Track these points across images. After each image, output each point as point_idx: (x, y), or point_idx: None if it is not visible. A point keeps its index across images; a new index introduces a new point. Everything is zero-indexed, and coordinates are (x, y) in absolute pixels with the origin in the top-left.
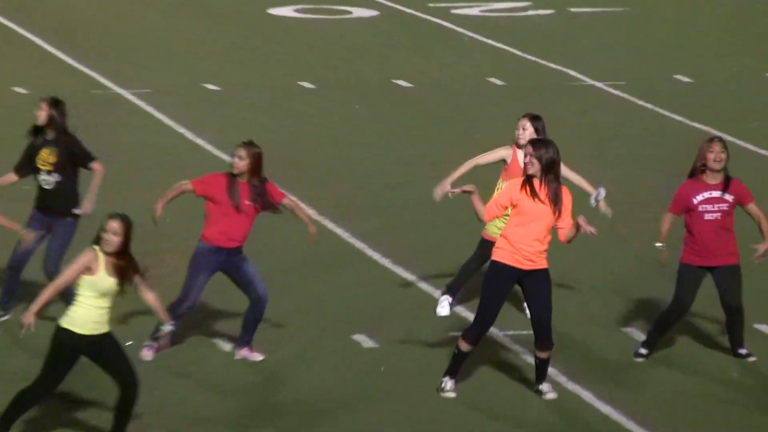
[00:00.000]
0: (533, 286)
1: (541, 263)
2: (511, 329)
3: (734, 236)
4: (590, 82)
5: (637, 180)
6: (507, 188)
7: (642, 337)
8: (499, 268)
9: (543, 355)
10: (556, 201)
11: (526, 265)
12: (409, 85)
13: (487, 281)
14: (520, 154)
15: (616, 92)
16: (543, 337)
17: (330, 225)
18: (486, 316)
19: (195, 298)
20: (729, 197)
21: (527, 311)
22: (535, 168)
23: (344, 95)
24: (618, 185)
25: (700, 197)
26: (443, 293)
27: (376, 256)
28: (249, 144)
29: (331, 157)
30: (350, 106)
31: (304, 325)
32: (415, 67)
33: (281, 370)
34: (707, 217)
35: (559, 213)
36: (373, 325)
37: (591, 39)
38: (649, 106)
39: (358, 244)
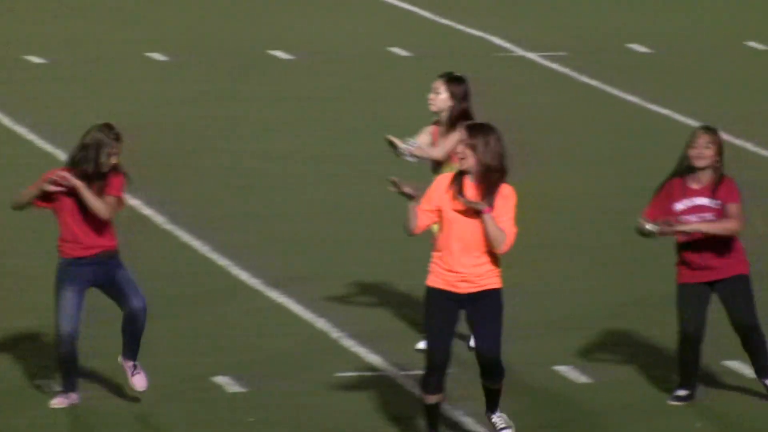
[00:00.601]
0: (476, 314)
1: (487, 284)
2: (417, 368)
3: (737, 240)
4: (520, 52)
5: (586, 179)
6: (431, 187)
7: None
8: (432, 294)
9: (492, 385)
10: (489, 204)
11: (463, 288)
12: (289, 56)
13: (424, 312)
14: (441, 131)
15: (554, 65)
16: (489, 372)
17: (185, 237)
18: (433, 356)
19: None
20: (717, 203)
21: (471, 341)
22: (469, 162)
23: (205, 70)
24: (555, 185)
25: (681, 205)
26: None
27: (243, 275)
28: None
29: (186, 148)
30: (213, 84)
31: (152, 363)
32: (296, 35)
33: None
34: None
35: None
36: (240, 364)
37: (519, 1)
38: (594, 83)
39: (222, 261)
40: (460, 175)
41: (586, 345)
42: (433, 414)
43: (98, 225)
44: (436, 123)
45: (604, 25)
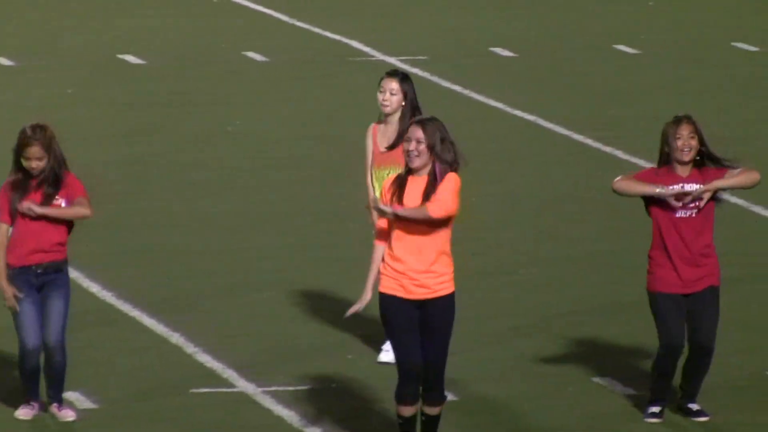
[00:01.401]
0: (427, 321)
1: (441, 289)
2: (275, 383)
3: (713, 246)
4: (380, 56)
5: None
6: (383, 192)
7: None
8: (385, 300)
9: (431, 410)
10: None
11: (417, 294)
12: (139, 61)
13: (385, 321)
14: (382, 130)
15: (415, 70)
16: (432, 387)
17: None
18: (407, 366)
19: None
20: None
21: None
22: (423, 159)
23: (48, 75)
24: None
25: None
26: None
27: (94, 288)
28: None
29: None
30: (58, 90)
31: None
32: (146, 37)
33: None
34: (679, 216)
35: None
36: (91, 379)
37: (378, 4)
38: (456, 88)
39: (72, 273)
40: (403, 175)
41: (540, 355)
42: (411, 427)
43: (48, 234)
44: (379, 122)
45: (466, 28)
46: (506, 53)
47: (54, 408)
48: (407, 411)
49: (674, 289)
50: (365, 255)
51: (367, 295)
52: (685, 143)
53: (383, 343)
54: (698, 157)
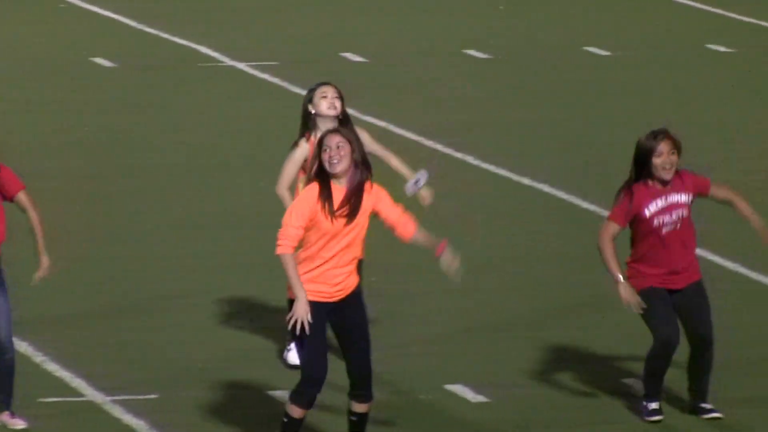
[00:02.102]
0: (344, 320)
1: (351, 284)
2: (124, 392)
3: (695, 244)
4: (229, 62)
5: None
6: (301, 200)
7: None
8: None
9: (360, 408)
10: (356, 207)
11: (337, 296)
12: None
13: (301, 327)
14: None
15: (264, 75)
16: (360, 386)
17: None
18: (310, 370)
19: None
20: (686, 197)
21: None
22: (344, 164)
23: None
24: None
25: (653, 207)
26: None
27: None
28: None
29: None
30: None
31: None
32: None
33: None
34: (666, 231)
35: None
36: None
37: (228, 9)
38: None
39: None
40: (326, 183)
41: (480, 361)
42: (298, 429)
43: None
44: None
45: (317, 33)
46: (357, 59)
47: (5, 416)
48: (300, 413)
49: (661, 284)
50: (205, 264)
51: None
52: (666, 160)
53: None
54: None
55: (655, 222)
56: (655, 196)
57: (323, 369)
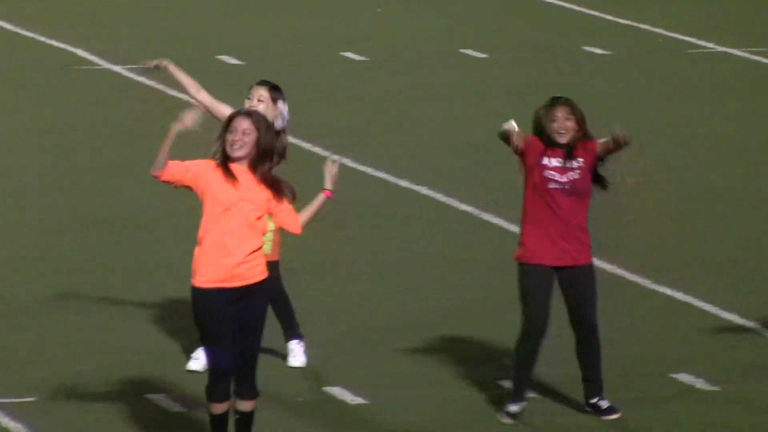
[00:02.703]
0: (240, 311)
1: (254, 275)
2: (8, 395)
3: (586, 219)
4: (106, 65)
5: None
6: (196, 162)
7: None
8: (204, 295)
9: (244, 405)
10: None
11: (235, 282)
12: None
13: (201, 317)
14: None
15: (141, 79)
16: (243, 380)
17: None
18: (214, 363)
19: None
20: (580, 162)
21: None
22: (247, 149)
23: None
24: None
25: (547, 161)
26: (288, 339)
27: None
28: None
29: None
30: None
31: None
32: None
33: None
34: (551, 186)
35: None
36: None
37: (102, 12)
38: (185, 96)
39: None
40: (225, 165)
41: (359, 364)
42: (222, 425)
43: None
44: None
45: (192, 36)
46: (233, 61)
47: None
48: (219, 408)
49: (547, 261)
50: (79, 265)
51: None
52: (561, 125)
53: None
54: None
55: (546, 174)
56: (553, 155)
57: (227, 361)
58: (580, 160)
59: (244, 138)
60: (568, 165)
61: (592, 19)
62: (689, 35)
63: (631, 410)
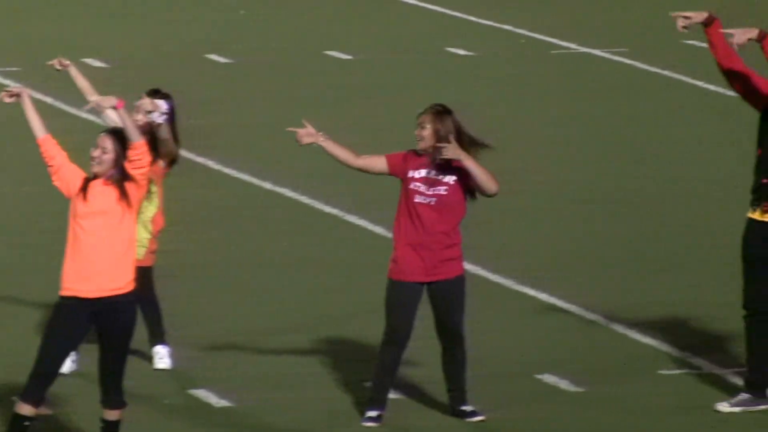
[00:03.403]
0: (101, 323)
1: (117, 286)
2: None
3: (460, 235)
4: None
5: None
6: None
7: None
8: (60, 301)
9: (110, 415)
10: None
11: (94, 292)
12: None
13: (48, 323)
14: None
15: (7, 81)
16: (108, 389)
17: None
18: (38, 366)
19: None
20: (452, 179)
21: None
22: (103, 168)
23: None
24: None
25: (416, 174)
26: (154, 344)
27: None
28: None
29: None
30: None
31: None
32: None
33: None
34: (418, 199)
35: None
36: None
37: None
38: (48, 100)
39: None
40: (87, 181)
41: (225, 366)
42: (23, 428)
43: None
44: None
45: (57, 39)
46: (98, 63)
47: None
48: (25, 409)
49: (417, 278)
50: None
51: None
52: (419, 133)
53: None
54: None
55: (412, 186)
56: (419, 165)
57: (52, 366)
58: (453, 177)
59: (102, 156)
60: (434, 177)
61: (455, 20)
62: (551, 36)
63: (495, 411)
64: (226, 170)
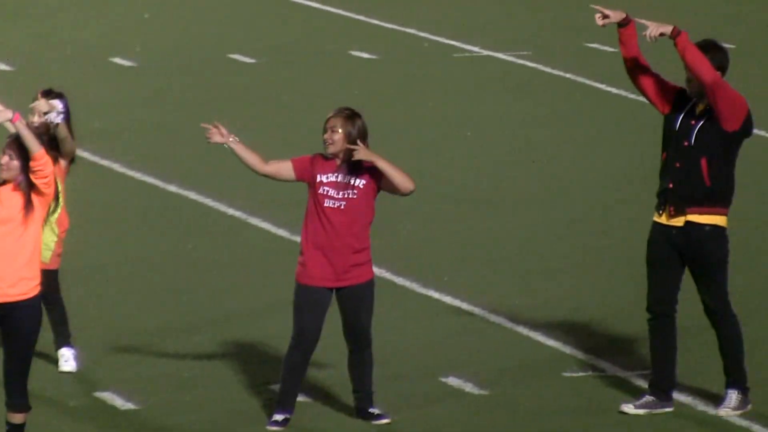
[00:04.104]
0: (5, 327)
1: (21, 292)
2: None
3: (369, 239)
4: None
5: None
6: None
7: None
8: None
9: (14, 418)
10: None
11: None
12: None
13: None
14: None
15: None
16: (12, 392)
17: None
18: None
19: None
20: (362, 183)
21: None
22: (9, 175)
23: None
24: None
25: (325, 178)
26: (59, 347)
27: None
28: None
29: None
30: None
31: None
32: None
33: None
34: (328, 204)
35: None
36: None
37: None
38: None
39: None
40: None
41: (129, 367)
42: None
43: None
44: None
45: None
46: (1, 66)
47: None
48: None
49: (326, 283)
50: None
51: None
52: (329, 137)
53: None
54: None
55: (321, 191)
56: (328, 170)
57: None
58: (362, 181)
59: (10, 162)
60: (344, 181)
61: (358, 23)
62: (454, 39)
63: (399, 413)
64: (131, 173)
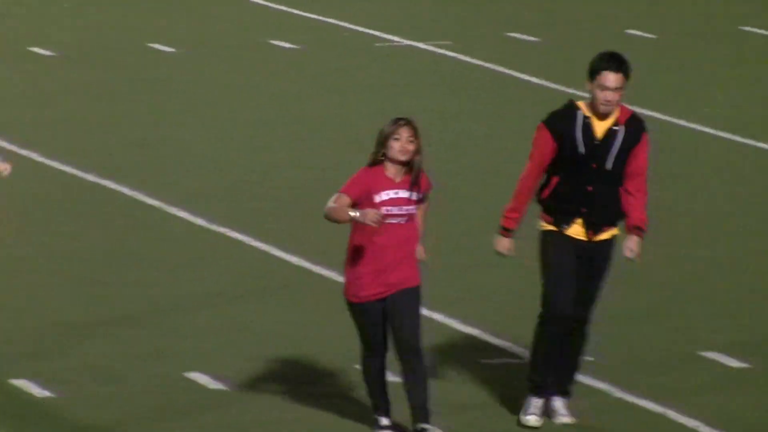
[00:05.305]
0: None
1: None
2: None
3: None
4: None
5: None
6: None
7: None
8: None
9: None
10: None
11: None
12: None
13: None
14: None
15: None
16: None
17: None
18: None
19: None
20: (418, 196)
21: None
22: None
23: None
24: None
25: (384, 195)
26: None
27: None
28: None
29: None
30: None
31: None
32: None
33: None
34: (390, 221)
35: None
36: None
37: None
38: None
39: None
40: None
41: (46, 357)
42: None
43: None
44: None
45: None
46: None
47: None
48: None
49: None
50: None
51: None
52: (404, 146)
53: None
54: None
55: (384, 210)
56: (387, 186)
57: None
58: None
59: None
60: (404, 197)
61: (278, 13)
62: (375, 29)
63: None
64: (49, 163)
